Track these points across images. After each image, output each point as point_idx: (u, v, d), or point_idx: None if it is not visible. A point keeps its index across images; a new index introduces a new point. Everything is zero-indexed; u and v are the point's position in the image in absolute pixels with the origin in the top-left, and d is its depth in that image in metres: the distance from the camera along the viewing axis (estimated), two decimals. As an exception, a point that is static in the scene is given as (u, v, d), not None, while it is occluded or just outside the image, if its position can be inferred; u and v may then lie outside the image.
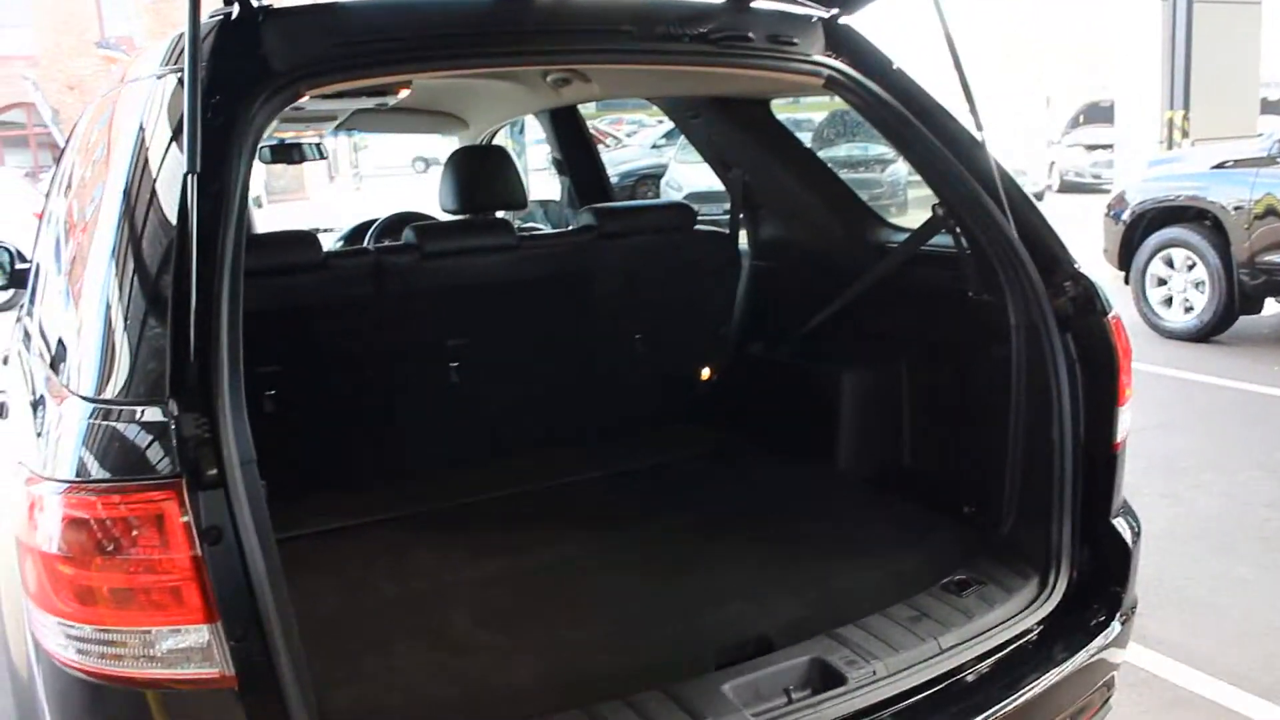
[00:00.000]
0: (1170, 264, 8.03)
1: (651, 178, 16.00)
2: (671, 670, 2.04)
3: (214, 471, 1.59)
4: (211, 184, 1.74)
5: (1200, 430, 5.99)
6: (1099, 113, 19.72)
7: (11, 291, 3.76)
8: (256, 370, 2.88)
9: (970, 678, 2.07)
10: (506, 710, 1.93)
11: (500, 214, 3.51)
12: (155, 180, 1.86)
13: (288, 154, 5.26)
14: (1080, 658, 2.16)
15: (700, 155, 3.83)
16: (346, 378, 3.06)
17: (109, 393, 1.70)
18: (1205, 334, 7.85)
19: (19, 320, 2.90)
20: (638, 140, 19.44)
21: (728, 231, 3.53)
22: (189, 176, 1.67)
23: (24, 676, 1.89)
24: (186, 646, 1.58)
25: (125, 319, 1.76)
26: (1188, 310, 7.95)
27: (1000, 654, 2.12)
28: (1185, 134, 12.38)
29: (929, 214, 2.68)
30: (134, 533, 1.58)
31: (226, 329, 1.68)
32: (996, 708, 2.01)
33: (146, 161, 1.91)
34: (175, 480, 1.58)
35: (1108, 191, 10.12)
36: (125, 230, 1.85)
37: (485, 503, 3.07)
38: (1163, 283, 8.10)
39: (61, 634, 1.63)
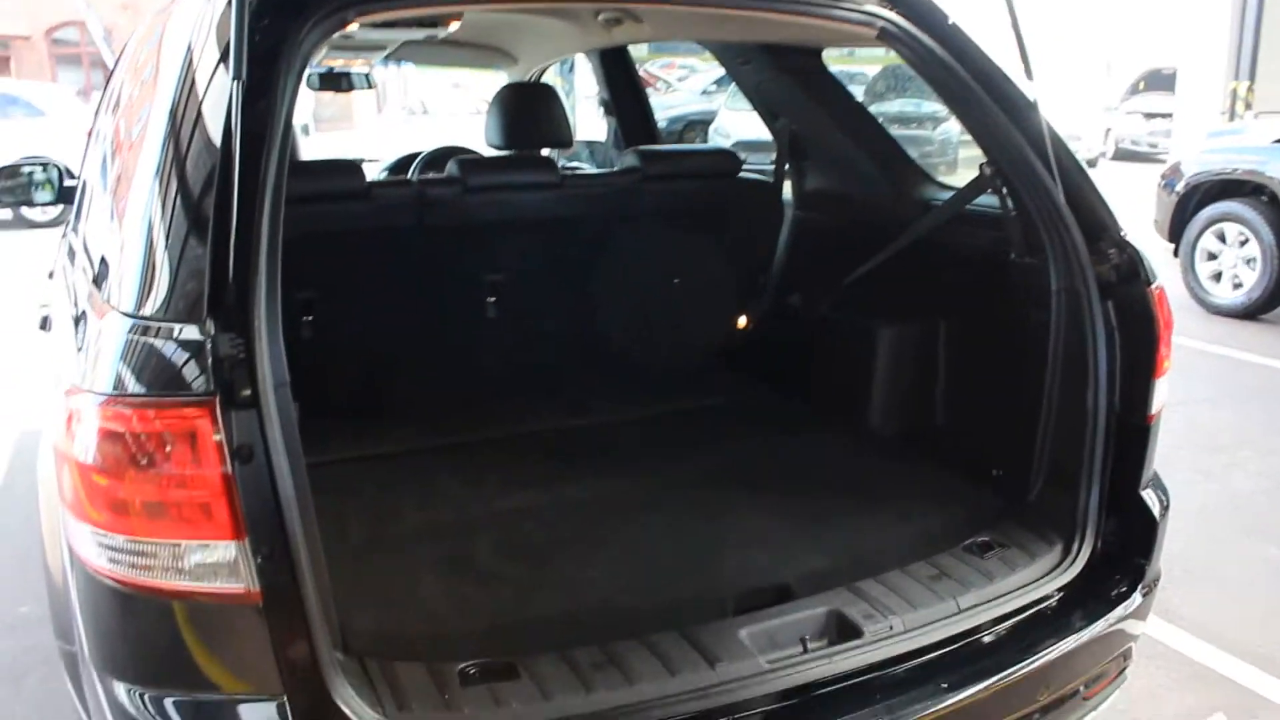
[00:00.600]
0: (1222, 239, 7.88)
1: (700, 124, 15.85)
2: (690, 613, 2.06)
3: (247, 392, 1.61)
4: (257, 106, 1.75)
5: (1239, 408, 5.91)
6: (1160, 80, 19.30)
7: (60, 208, 3.82)
8: (295, 295, 2.91)
9: (987, 639, 2.08)
10: (526, 642, 1.96)
11: (545, 152, 3.50)
12: (202, 101, 1.87)
13: (336, 81, 5.28)
14: (1098, 627, 2.15)
15: (748, 102, 3.79)
16: (384, 307, 3.08)
17: (148, 310, 1.73)
18: (1253, 312, 7.72)
19: (64, 236, 2.94)
20: (688, 85, 19.25)
21: (772, 180, 3.50)
22: (234, 86, 1.67)
23: (59, 583, 1.94)
24: (214, 561, 1.61)
25: (167, 238, 1.78)
26: (1236, 286, 7.82)
27: (1018, 618, 2.12)
28: (1248, 106, 12.11)
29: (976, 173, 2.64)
30: (167, 448, 1.61)
31: (266, 251, 1.69)
32: (1011, 670, 2.02)
33: (194, 82, 1.92)
34: (209, 398, 1.60)
35: (1163, 162, 9.94)
36: (170, 150, 1.86)
37: (515, 438, 3.09)
38: (1213, 257, 7.96)
39: (94, 542, 1.66)
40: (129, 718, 1.69)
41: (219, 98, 1.80)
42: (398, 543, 2.42)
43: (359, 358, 3.11)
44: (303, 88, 4.83)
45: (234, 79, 1.68)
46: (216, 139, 1.77)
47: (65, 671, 2.07)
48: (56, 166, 3.70)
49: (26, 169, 3.71)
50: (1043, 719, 2.09)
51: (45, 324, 2.71)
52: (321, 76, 5.18)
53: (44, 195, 3.69)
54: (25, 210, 11.02)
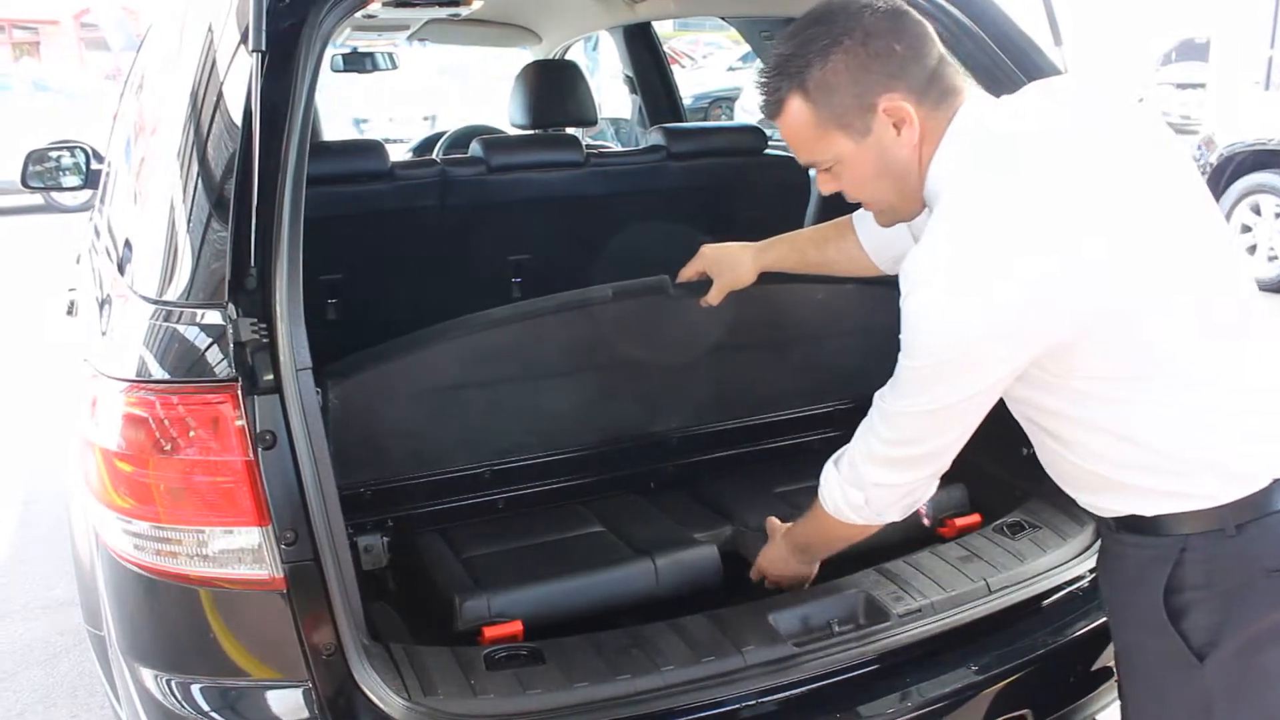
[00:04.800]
0: (1257, 211, 7.75)
1: (726, 100, 15.77)
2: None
3: (270, 377, 1.61)
4: (277, 86, 1.73)
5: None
6: (1193, 50, 18.98)
7: (89, 193, 3.83)
8: (319, 278, 2.91)
9: (1021, 619, 2.05)
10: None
11: (571, 130, 3.47)
12: (223, 82, 1.86)
13: (360, 62, 5.26)
14: (1131, 608, 2.12)
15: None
16: (409, 289, 3.07)
17: (171, 294, 1.72)
18: (1289, 285, 7.61)
19: (91, 220, 2.94)
20: (714, 62, 19.15)
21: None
22: (254, 65, 1.66)
23: (87, 569, 1.95)
24: (238, 547, 1.61)
25: (188, 221, 1.77)
26: (1272, 259, 7.69)
27: (1049, 599, 2.09)
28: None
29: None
30: (190, 433, 1.61)
31: (288, 234, 1.68)
32: (1042, 651, 1.99)
33: (214, 63, 1.91)
34: (231, 384, 1.59)
35: (1196, 133, 9.81)
36: (190, 132, 1.85)
37: None
38: (1247, 229, 7.83)
39: (119, 529, 1.66)
40: (156, 704, 1.70)
41: (239, 79, 1.79)
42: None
43: (384, 339, 3.10)
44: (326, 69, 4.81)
45: (254, 59, 1.67)
46: (237, 120, 1.75)
47: (95, 655, 2.08)
48: (84, 150, 3.70)
49: (55, 153, 3.72)
50: (1075, 701, 2.07)
51: (72, 309, 2.71)
52: (345, 57, 5.17)
53: (72, 180, 3.70)
54: (56, 195, 11.08)
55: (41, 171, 3.74)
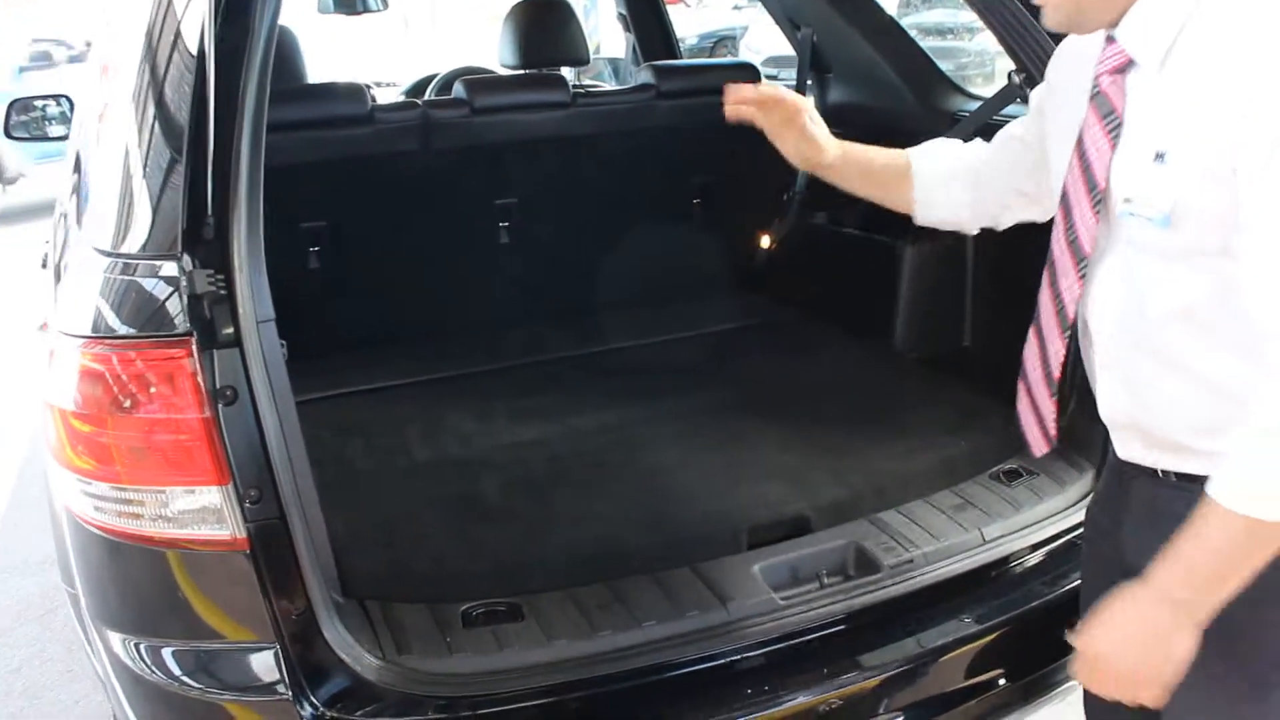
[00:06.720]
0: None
1: (731, 39, 15.51)
2: (703, 548, 2.00)
3: (229, 330, 1.55)
4: (234, 23, 1.65)
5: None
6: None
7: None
8: (300, 226, 2.84)
9: (1013, 571, 2.00)
10: (532, 582, 1.90)
11: (565, 70, 3.37)
12: (180, 20, 1.77)
13: (350, 4, 5.11)
14: (1131, 556, 2.07)
15: (769, 13, 3.63)
16: (393, 235, 3.00)
17: (127, 247, 1.66)
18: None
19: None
20: (719, 2, 18.83)
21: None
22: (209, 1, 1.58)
23: (61, 531, 1.90)
24: (198, 507, 1.56)
25: (144, 168, 1.70)
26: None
27: (1046, 548, 2.04)
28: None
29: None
30: (150, 389, 1.55)
31: (246, 181, 1.60)
32: (1038, 602, 1.94)
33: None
34: (186, 338, 1.53)
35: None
36: (146, 73, 1.77)
37: (528, 366, 3.03)
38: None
39: (79, 491, 1.62)
40: (125, 667, 1.67)
41: (196, 18, 1.70)
42: (403, 478, 2.37)
43: (369, 288, 3.04)
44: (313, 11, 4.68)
45: None
46: (192, 63, 1.67)
47: (73, 614, 2.05)
48: (70, 99, 3.62)
49: (40, 102, 3.65)
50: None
51: (45, 262, 2.65)
52: (334, -1, 5.03)
53: (58, 130, 3.63)
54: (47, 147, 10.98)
55: (27, 121, 3.67)
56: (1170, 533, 1.28)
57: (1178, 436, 1.39)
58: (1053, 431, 1.57)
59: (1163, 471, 1.44)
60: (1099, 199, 1.38)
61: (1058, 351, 1.50)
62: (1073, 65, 1.49)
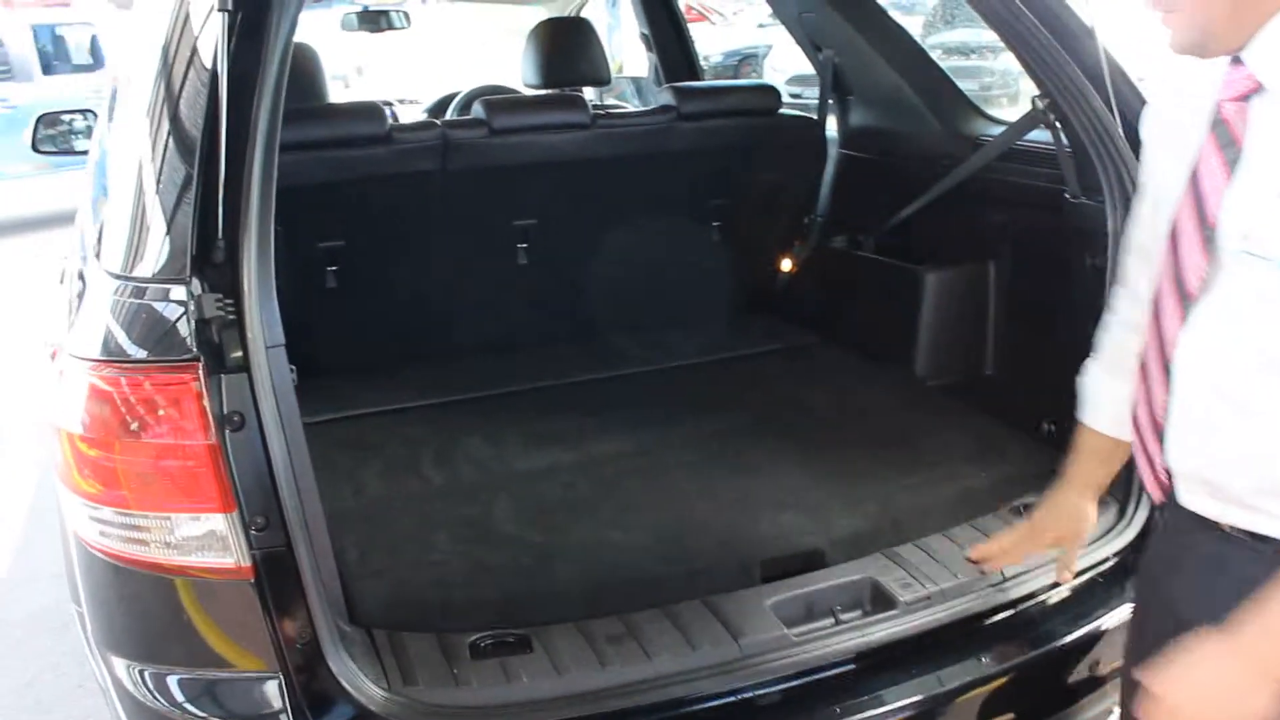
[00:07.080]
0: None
1: (755, 58, 15.49)
2: (715, 580, 1.97)
3: (238, 354, 1.53)
4: (248, 44, 1.64)
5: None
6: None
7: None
8: (318, 245, 2.83)
9: (1034, 609, 1.96)
10: (541, 614, 1.88)
11: (587, 90, 3.36)
12: (196, 39, 1.76)
13: (373, 21, 5.14)
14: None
15: (791, 36, 3.62)
16: (411, 256, 2.99)
17: (138, 270, 1.65)
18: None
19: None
20: (744, 20, 18.83)
21: (814, 117, 3.34)
22: (223, 21, 1.56)
23: (69, 551, 1.89)
24: (203, 534, 1.54)
25: (156, 191, 1.69)
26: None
27: (1069, 585, 1.99)
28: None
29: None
30: (158, 413, 1.54)
31: (258, 205, 1.59)
32: (1060, 642, 1.90)
33: (187, 18, 1.81)
34: (193, 363, 1.52)
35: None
36: (160, 93, 1.76)
37: (544, 389, 3.01)
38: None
39: (85, 515, 1.61)
40: (128, 694, 1.65)
41: (210, 38, 1.69)
42: (414, 503, 2.34)
43: (386, 309, 3.03)
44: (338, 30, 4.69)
45: (222, 18, 1.58)
46: (206, 85, 1.66)
47: (80, 632, 2.03)
48: (96, 114, 3.64)
49: (67, 116, 3.66)
50: (1096, 693, 1.97)
51: (62, 277, 2.65)
52: (357, 16, 5.05)
53: (84, 144, 3.64)
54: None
55: (54, 135, 3.69)
56: (1235, 589, 1.26)
57: (1245, 495, 1.34)
58: (1165, 480, 1.47)
59: (1230, 526, 1.38)
60: (1210, 235, 1.30)
61: (1160, 396, 1.41)
62: (1173, 113, 1.43)
